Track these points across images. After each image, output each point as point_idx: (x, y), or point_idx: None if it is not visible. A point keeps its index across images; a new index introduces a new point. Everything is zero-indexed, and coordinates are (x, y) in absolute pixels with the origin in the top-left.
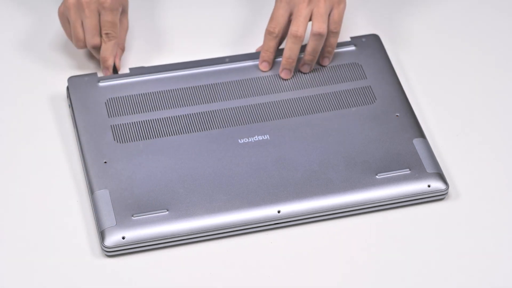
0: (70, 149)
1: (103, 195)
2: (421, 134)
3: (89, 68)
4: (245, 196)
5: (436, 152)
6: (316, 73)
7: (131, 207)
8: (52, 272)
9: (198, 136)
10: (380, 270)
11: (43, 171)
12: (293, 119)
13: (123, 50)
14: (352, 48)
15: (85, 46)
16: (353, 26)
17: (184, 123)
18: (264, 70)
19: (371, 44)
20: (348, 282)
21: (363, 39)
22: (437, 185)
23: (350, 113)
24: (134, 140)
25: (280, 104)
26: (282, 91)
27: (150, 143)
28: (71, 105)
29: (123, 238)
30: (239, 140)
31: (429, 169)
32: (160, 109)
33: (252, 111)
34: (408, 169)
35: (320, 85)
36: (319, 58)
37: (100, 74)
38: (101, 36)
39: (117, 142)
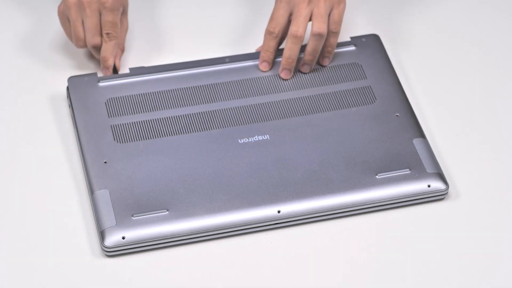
0: (70, 149)
1: (103, 195)
2: (421, 134)
3: (89, 68)
4: (245, 196)
5: (436, 152)
6: (316, 73)
7: (131, 207)
8: (52, 272)
9: (198, 136)
10: (380, 270)
11: (43, 171)
12: (293, 119)
13: (123, 50)
14: (352, 48)
15: (85, 46)
16: (353, 26)
17: (184, 123)
18: (264, 70)
19: (371, 44)
20: (348, 282)
21: (363, 39)
22: (437, 185)
23: (350, 113)
24: (134, 140)
25: (280, 104)
26: (282, 91)
27: (150, 143)
28: (71, 105)
29: (123, 238)
30: (239, 140)
31: (429, 169)
32: (160, 109)
33: (252, 111)
34: (408, 169)
35: (320, 85)
36: (319, 58)
37: (100, 74)
38: (101, 36)
39: (117, 142)
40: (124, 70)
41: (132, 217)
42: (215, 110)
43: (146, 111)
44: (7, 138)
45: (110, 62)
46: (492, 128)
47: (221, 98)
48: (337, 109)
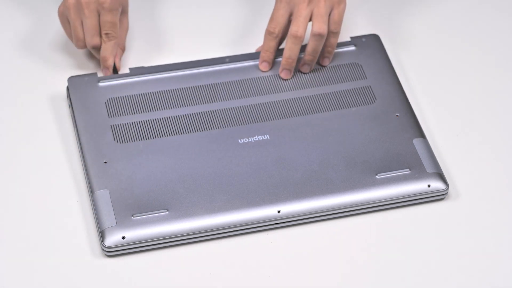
0: (70, 149)
1: (103, 195)
2: (421, 134)
3: (89, 68)
4: (245, 196)
5: (436, 152)
6: (316, 73)
7: (131, 207)
8: (52, 272)
9: (198, 136)
10: (380, 270)
11: (43, 171)
12: (293, 119)
13: (123, 50)
14: (352, 48)
15: (85, 46)
16: (353, 26)
17: (184, 123)
18: (264, 70)
19: (371, 44)
20: (348, 282)
21: (363, 39)
22: (437, 185)
23: (350, 113)
24: (134, 140)
25: (280, 104)
26: (282, 91)
27: (150, 143)
28: (71, 105)
29: (123, 238)
30: (239, 140)
31: (429, 169)
32: (160, 109)
33: (252, 111)
34: (408, 169)
35: (320, 85)
36: (319, 58)
37: (100, 74)
38: (101, 36)
39: (117, 142)
40: (124, 70)
41: (132, 217)
42: (215, 110)
43: (146, 111)
44: (7, 138)
45: (110, 62)
46: (492, 128)
47: (221, 98)
48: (337, 109)
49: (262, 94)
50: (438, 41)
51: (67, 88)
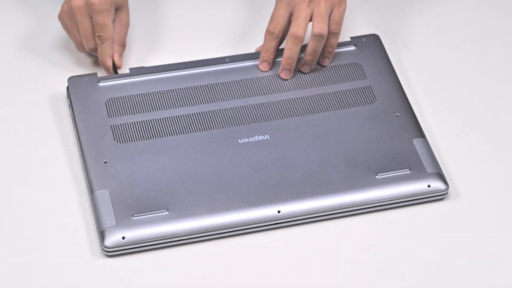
0: (70, 149)
1: (103, 195)
2: (421, 134)
3: (89, 68)
4: (245, 196)
5: (436, 152)
6: (316, 73)
7: (131, 207)
8: (52, 272)
9: (198, 136)
10: (380, 270)
11: (43, 171)
12: (293, 119)
13: (123, 46)
14: (352, 48)
15: (85, 50)
16: (353, 26)
17: (184, 123)
18: (264, 70)
19: (371, 44)
20: (348, 282)
21: (363, 39)
22: (437, 185)
23: (350, 113)
24: (134, 140)
25: (280, 104)
26: (282, 91)
27: (150, 143)
28: (71, 105)
29: (123, 238)
30: (239, 140)
31: (429, 169)
32: (160, 109)
33: (252, 111)
34: (408, 169)
35: (320, 85)
36: (319, 58)
37: (100, 74)
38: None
39: (117, 142)
40: (124, 70)
41: (132, 217)
42: (215, 110)
43: (146, 111)
44: (7, 138)
45: (108, 63)
46: (492, 128)
47: (221, 98)
48: (337, 109)
49: (262, 94)
50: (438, 41)
51: (67, 88)
